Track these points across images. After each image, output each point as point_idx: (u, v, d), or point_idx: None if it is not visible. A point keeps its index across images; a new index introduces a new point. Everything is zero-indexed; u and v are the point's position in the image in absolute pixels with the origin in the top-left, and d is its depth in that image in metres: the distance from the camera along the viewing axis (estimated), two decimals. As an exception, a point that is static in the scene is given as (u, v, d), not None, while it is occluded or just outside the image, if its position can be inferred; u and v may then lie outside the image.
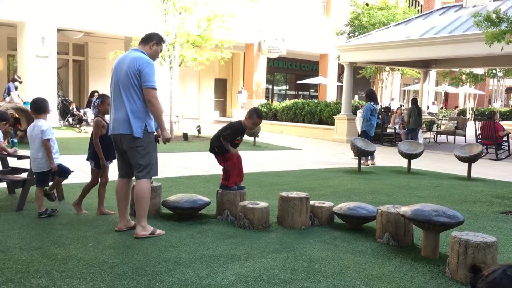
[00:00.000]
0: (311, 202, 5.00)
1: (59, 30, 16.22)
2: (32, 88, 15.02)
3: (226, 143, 4.99)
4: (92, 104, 5.19)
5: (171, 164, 9.41)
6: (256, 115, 5.12)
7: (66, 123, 16.08)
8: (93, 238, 4.24)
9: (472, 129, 14.78)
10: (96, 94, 17.10)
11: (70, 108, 16.12)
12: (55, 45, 15.66)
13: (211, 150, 5.18)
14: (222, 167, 5.16)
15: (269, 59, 23.63)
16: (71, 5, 15.42)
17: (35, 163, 5.08)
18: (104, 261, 3.64)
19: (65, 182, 5.90)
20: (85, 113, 16.18)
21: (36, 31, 15.05)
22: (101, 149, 4.99)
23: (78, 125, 15.81)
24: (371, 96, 10.95)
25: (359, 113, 11.28)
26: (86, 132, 14.73)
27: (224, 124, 5.35)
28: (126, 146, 4.34)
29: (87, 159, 5.19)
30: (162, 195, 5.32)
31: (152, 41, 4.48)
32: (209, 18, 14.18)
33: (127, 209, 4.59)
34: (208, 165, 9.46)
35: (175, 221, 4.90)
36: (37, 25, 15.03)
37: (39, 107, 5.11)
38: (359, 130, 11.13)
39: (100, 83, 20.54)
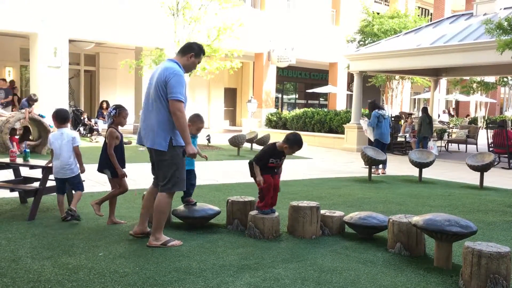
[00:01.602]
0: (322, 212, 4.98)
1: (71, 41, 16.42)
2: (44, 98, 15.18)
3: (256, 167, 4.80)
4: (108, 114, 5.15)
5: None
6: (297, 146, 4.76)
7: (77, 132, 16.21)
8: (104, 247, 4.25)
9: (484, 137, 14.64)
10: (105, 104, 17.29)
11: (82, 118, 16.27)
12: (67, 56, 15.84)
13: (252, 174, 4.97)
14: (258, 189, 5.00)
15: (278, 68, 23.67)
16: (83, 16, 15.61)
17: (63, 170, 5.26)
18: (115, 271, 3.65)
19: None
20: (96, 123, 16.32)
21: (48, 42, 15.25)
22: (116, 159, 5.01)
23: (89, 135, 15.94)
24: (374, 106, 10.95)
25: (363, 123, 11.23)
26: (97, 141, 14.83)
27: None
28: (154, 157, 4.35)
29: (100, 171, 5.20)
30: (172, 204, 5.32)
31: (191, 53, 4.36)
32: (219, 29, 14.27)
33: (148, 216, 4.59)
34: (217, 174, 9.47)
35: (186, 231, 4.90)
36: (50, 36, 15.23)
37: (63, 116, 5.42)
38: (371, 139, 11.07)
39: (111, 93, 20.75)
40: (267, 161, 4.79)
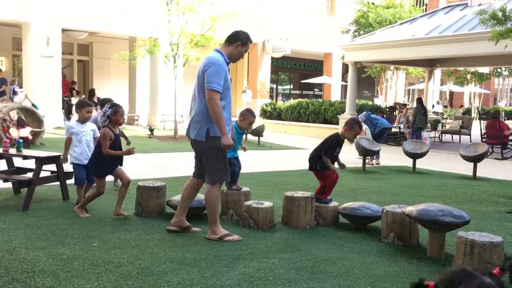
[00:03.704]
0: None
1: (64, 30, 16.26)
2: (37, 88, 15.07)
3: (327, 159, 5.00)
4: (103, 113, 4.94)
5: (175, 163, 9.42)
6: (358, 126, 5.22)
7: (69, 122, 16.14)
8: (98, 237, 4.25)
9: (477, 128, 14.71)
10: (96, 96, 17.17)
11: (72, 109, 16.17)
12: (60, 45, 15.70)
13: (312, 167, 5.18)
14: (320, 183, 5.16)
15: (273, 59, 23.59)
16: (76, 6, 15.45)
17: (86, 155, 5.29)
18: (110, 261, 3.65)
19: (70, 181, 5.93)
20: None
21: (41, 32, 15.10)
22: (115, 152, 4.85)
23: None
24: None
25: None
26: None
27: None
28: (195, 148, 4.32)
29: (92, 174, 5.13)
30: (166, 194, 5.32)
31: (238, 42, 4.25)
32: (212, 18, 14.17)
33: (186, 209, 4.51)
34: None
35: (180, 221, 4.90)
36: (42, 25, 15.07)
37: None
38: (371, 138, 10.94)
39: (105, 83, 20.61)
40: (334, 151, 5.07)
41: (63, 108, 16.12)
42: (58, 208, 5.36)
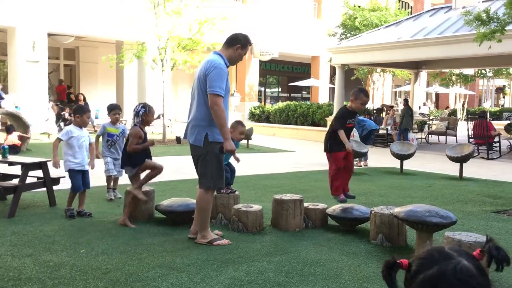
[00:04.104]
0: (305, 204, 5.00)
1: (49, 35, 16.14)
2: (23, 94, 14.92)
3: (341, 133, 4.76)
4: (135, 113, 4.92)
5: (164, 168, 9.36)
6: (364, 94, 4.93)
7: (58, 127, 15.98)
8: (86, 244, 4.21)
9: (463, 129, 14.88)
10: (81, 96, 17.10)
11: (62, 113, 16.03)
12: (46, 50, 15.57)
13: (324, 148, 5.00)
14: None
15: (261, 62, 23.64)
16: (62, 10, 15.34)
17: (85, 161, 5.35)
18: (97, 267, 3.62)
19: (56, 188, 5.88)
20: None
21: (26, 36, 14.96)
22: (141, 145, 4.87)
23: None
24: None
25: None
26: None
27: None
28: (192, 152, 4.28)
29: (122, 167, 5.12)
30: (155, 199, 5.30)
31: (238, 44, 4.21)
32: (200, 22, 14.17)
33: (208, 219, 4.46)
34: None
35: (169, 226, 4.88)
36: (28, 30, 14.93)
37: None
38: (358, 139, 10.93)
39: (92, 87, 20.47)
40: (346, 122, 4.90)
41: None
42: (44, 215, 5.30)
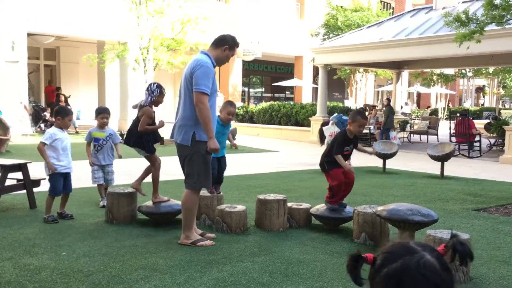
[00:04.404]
0: (289, 204, 5.01)
1: (29, 35, 15.87)
2: (3, 94, 14.65)
3: (338, 157, 4.74)
4: (149, 92, 4.93)
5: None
6: (361, 116, 4.90)
7: (38, 129, 15.74)
8: (67, 246, 4.15)
9: (444, 128, 15.08)
10: (62, 97, 16.86)
11: (43, 114, 15.80)
12: (25, 50, 15.31)
13: (322, 168, 5.01)
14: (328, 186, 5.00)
15: (244, 62, 23.63)
16: (42, 9, 15.10)
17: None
18: (79, 270, 3.57)
19: (36, 190, 5.79)
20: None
21: (5, 36, 14.68)
22: (151, 127, 4.89)
23: (50, 131, 15.49)
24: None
25: (330, 127, 10.89)
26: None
27: None
28: (178, 152, 4.25)
29: (132, 145, 5.04)
30: (138, 200, 5.25)
31: (225, 45, 4.23)
32: (183, 21, 14.10)
33: (195, 217, 4.47)
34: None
35: (152, 227, 4.84)
36: (7, 29, 14.66)
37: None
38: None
39: (73, 87, 20.21)
40: (343, 150, 4.82)
41: (30, 114, 15.71)
42: (25, 217, 5.21)
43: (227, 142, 5.48)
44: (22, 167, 5.54)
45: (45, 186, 5.75)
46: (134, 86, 17.49)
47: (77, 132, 16.09)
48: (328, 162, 4.88)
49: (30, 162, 5.86)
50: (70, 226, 4.83)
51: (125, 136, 5.22)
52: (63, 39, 18.85)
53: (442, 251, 1.13)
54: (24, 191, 5.66)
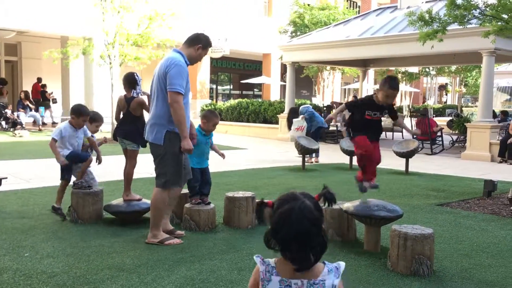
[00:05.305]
0: (257, 201, 5.01)
1: (-12, 29, 15.32)
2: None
3: (337, 110, 4.45)
4: (139, 84, 4.97)
5: (112, 167, 9.13)
6: (388, 85, 4.13)
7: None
8: (30, 247, 4.04)
9: (409, 125, 15.44)
10: (23, 94, 16.34)
11: (3, 112, 15.27)
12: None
13: (347, 133, 4.50)
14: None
15: (212, 59, 23.50)
16: (2, 3, 14.58)
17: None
18: (43, 271, 3.47)
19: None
20: (18, 116, 15.39)
21: (-38, 30, 14.13)
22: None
23: (12, 129, 15.00)
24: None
25: (300, 121, 10.95)
26: (21, 136, 14.00)
27: None
28: (151, 150, 4.19)
29: (119, 137, 4.94)
30: (104, 199, 5.15)
31: (199, 44, 4.22)
32: (150, 17, 13.89)
33: (168, 215, 4.45)
34: (152, 167, 9.27)
35: (118, 226, 4.76)
36: (-36, 23, 14.11)
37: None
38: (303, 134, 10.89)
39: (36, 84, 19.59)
40: (363, 113, 4.21)
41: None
42: (-15, 218, 5.03)
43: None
44: (-18, 166, 5.34)
45: (5, 185, 5.57)
46: (99, 82, 17.14)
47: (40, 130, 15.66)
48: (353, 127, 4.39)
49: (-10, 161, 5.66)
50: (33, 227, 4.69)
51: (114, 128, 5.10)
52: (24, 34, 18.26)
53: (316, 197, 1.72)
54: (-16, 191, 5.46)
